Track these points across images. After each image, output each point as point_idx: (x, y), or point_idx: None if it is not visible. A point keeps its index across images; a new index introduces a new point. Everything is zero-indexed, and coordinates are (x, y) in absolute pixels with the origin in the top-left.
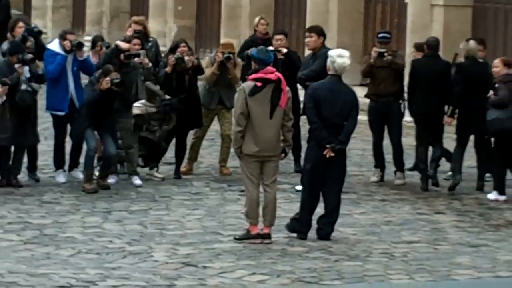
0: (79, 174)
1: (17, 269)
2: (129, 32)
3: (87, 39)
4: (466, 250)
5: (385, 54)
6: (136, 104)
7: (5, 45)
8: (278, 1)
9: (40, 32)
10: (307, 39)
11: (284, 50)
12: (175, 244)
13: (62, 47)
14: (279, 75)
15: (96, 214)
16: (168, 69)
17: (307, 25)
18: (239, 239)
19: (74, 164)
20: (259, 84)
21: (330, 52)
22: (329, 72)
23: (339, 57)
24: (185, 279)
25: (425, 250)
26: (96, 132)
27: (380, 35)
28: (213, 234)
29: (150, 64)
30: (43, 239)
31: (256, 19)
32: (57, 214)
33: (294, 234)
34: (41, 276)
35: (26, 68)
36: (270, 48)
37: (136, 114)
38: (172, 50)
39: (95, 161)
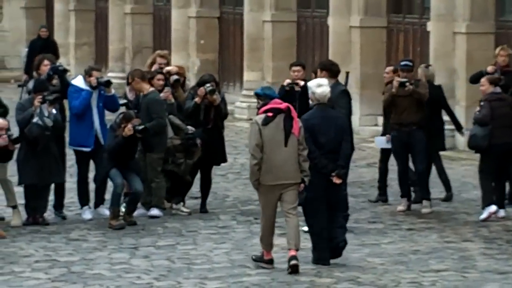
0: (105, 211)
1: None
2: (154, 67)
3: (110, 76)
4: (495, 277)
5: (407, 84)
6: None
7: (31, 84)
8: (301, 32)
9: (65, 70)
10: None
11: (301, 83)
12: (203, 278)
13: (88, 83)
14: (288, 104)
15: (123, 250)
16: (197, 99)
17: (330, 56)
18: (255, 259)
19: (99, 201)
20: (270, 114)
21: (309, 84)
22: (313, 103)
23: (318, 87)
24: None
25: (453, 278)
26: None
27: (402, 63)
28: (241, 267)
29: (173, 100)
30: (71, 277)
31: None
32: (84, 251)
33: (323, 265)
34: None
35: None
36: (288, 81)
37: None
38: (200, 84)
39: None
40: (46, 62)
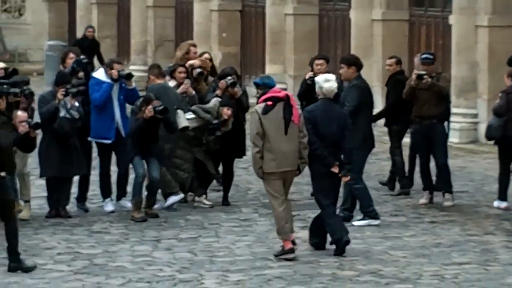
0: (127, 203)
1: None
2: (191, 57)
3: (132, 69)
4: None
5: (424, 76)
6: (188, 116)
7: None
8: (323, 25)
9: (88, 63)
10: (340, 70)
11: (309, 74)
12: (225, 271)
13: (109, 75)
14: (287, 92)
15: (145, 243)
16: (218, 92)
17: (352, 50)
18: (277, 255)
19: (121, 194)
20: (269, 103)
21: (317, 79)
22: (319, 97)
23: (325, 82)
24: None
25: (476, 271)
26: (144, 161)
27: (423, 56)
28: (263, 260)
29: (194, 92)
30: (93, 269)
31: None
32: (106, 243)
33: (344, 258)
34: None
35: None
36: (310, 74)
37: (194, 128)
38: (221, 77)
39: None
40: (71, 55)
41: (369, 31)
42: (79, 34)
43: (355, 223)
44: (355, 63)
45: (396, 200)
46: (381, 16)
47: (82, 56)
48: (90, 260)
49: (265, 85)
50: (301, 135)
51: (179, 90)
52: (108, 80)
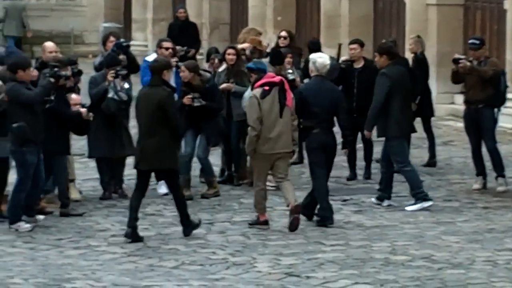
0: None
1: (121, 281)
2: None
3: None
4: None
5: (461, 61)
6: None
7: (97, 60)
8: (377, 9)
9: (128, 46)
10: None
11: (344, 58)
12: (278, 254)
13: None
14: (281, 77)
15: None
16: None
17: (407, 34)
18: (251, 224)
19: None
20: (266, 88)
21: (310, 56)
22: (313, 74)
23: (319, 57)
24: None
25: None
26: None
27: (470, 41)
28: (316, 244)
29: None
30: (147, 251)
31: None
32: (160, 226)
33: (397, 243)
34: None
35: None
36: (344, 58)
37: None
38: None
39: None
40: (111, 38)
41: (424, 16)
42: (135, 16)
43: (408, 208)
44: (387, 51)
45: (449, 185)
46: (436, 0)
47: (122, 39)
48: (143, 242)
49: (259, 70)
50: (293, 118)
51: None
52: None
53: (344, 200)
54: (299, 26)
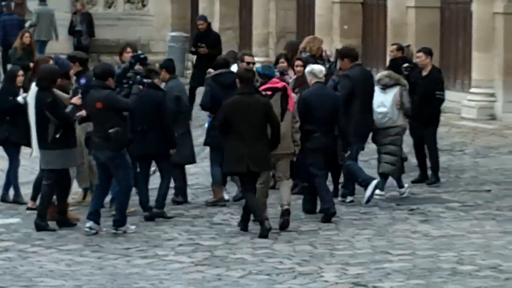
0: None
1: None
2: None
3: (256, 60)
4: None
5: None
6: None
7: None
8: (444, 18)
9: (146, 58)
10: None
11: (406, 65)
12: (345, 264)
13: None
14: (285, 84)
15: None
16: None
17: (473, 43)
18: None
19: None
20: (269, 93)
21: (307, 67)
22: (313, 81)
23: (315, 65)
24: None
25: None
26: None
27: None
28: (383, 253)
29: None
30: (214, 261)
31: None
32: (227, 235)
33: (463, 252)
34: None
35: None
36: (406, 64)
37: None
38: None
39: None
40: (128, 49)
41: (491, 24)
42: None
43: (365, 201)
44: (348, 54)
45: None
46: (503, 9)
47: (139, 51)
48: (210, 251)
49: (265, 76)
50: (294, 121)
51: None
52: None
53: (411, 210)
54: (365, 35)
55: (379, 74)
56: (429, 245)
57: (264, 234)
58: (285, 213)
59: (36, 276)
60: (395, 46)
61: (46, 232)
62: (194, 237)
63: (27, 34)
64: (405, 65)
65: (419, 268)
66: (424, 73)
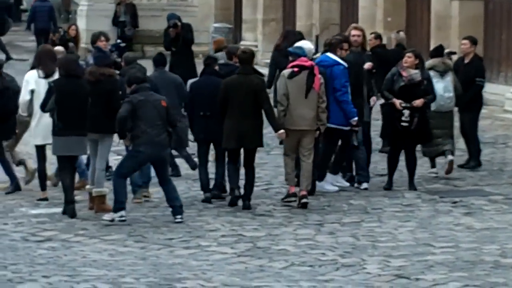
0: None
1: (231, 281)
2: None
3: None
4: None
5: None
6: None
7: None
8: (488, 11)
9: (125, 47)
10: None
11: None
12: (387, 256)
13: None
14: (312, 63)
15: (308, 227)
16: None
17: None
18: (283, 199)
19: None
20: (296, 69)
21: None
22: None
23: (304, 44)
24: None
25: None
26: None
27: None
28: (425, 246)
29: None
30: (257, 252)
31: None
32: (269, 226)
33: (506, 245)
34: None
35: None
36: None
37: None
38: None
39: None
40: (102, 38)
41: None
42: (245, 16)
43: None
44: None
45: None
46: None
47: (118, 40)
48: (253, 243)
49: (295, 54)
50: (320, 101)
51: None
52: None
53: (454, 202)
54: (409, 27)
55: (431, 61)
56: (472, 237)
57: (232, 202)
58: (304, 196)
59: (79, 266)
60: (372, 35)
61: (90, 222)
62: (236, 228)
63: (73, 27)
64: (447, 50)
65: (462, 261)
66: (466, 60)
